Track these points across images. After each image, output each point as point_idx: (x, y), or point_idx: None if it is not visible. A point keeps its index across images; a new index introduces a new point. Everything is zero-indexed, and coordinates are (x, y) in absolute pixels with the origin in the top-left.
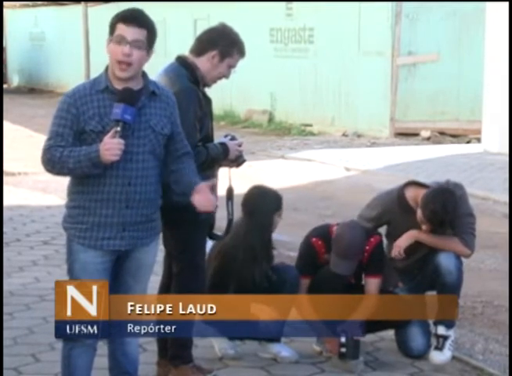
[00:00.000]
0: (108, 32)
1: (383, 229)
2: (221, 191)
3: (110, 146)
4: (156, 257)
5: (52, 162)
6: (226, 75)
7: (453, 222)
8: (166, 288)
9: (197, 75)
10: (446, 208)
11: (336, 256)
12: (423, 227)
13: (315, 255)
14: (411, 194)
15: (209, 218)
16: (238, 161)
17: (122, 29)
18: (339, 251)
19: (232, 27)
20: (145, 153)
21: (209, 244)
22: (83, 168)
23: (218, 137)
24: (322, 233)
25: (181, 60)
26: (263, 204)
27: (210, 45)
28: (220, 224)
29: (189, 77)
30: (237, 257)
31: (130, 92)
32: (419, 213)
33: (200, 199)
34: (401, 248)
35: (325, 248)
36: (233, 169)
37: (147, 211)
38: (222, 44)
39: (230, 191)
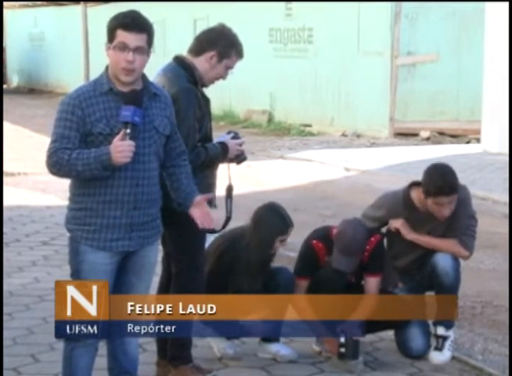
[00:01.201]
0: (107, 36)
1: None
2: (221, 189)
3: (122, 149)
4: (157, 256)
5: (59, 165)
6: (223, 76)
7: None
8: (165, 289)
9: (196, 75)
10: (446, 177)
11: (338, 253)
12: (445, 212)
13: (316, 258)
14: (416, 195)
15: None
16: (239, 159)
17: (123, 36)
18: (341, 247)
19: (231, 28)
20: (150, 154)
21: (208, 241)
22: (92, 170)
23: (219, 136)
24: (323, 235)
25: (179, 60)
26: (268, 222)
27: (209, 46)
28: (220, 223)
29: (187, 78)
30: (236, 261)
31: (137, 93)
32: (429, 203)
33: (200, 215)
34: (397, 228)
35: (325, 250)
36: (233, 168)
37: (152, 210)
38: (221, 45)
39: (230, 189)
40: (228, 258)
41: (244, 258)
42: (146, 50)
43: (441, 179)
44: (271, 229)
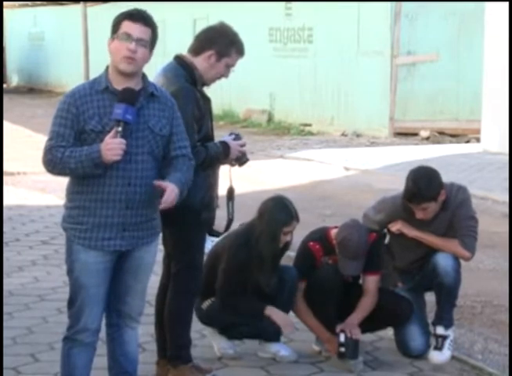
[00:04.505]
0: (111, 31)
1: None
2: (222, 191)
3: (112, 146)
4: (156, 256)
5: (53, 163)
6: (225, 75)
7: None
8: (165, 289)
9: (195, 75)
10: (419, 184)
11: (345, 258)
12: (419, 216)
13: (313, 259)
14: None
15: (209, 218)
16: (240, 161)
17: (128, 26)
18: (348, 253)
19: (230, 27)
20: (144, 153)
21: (208, 243)
22: (84, 168)
23: (221, 136)
24: (320, 236)
25: (178, 60)
26: (271, 213)
27: (208, 45)
28: (220, 223)
29: (186, 77)
30: (250, 257)
31: (131, 92)
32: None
33: (165, 195)
34: (399, 229)
35: (322, 252)
36: (233, 168)
37: (147, 211)
38: (220, 43)
39: (231, 191)
40: (243, 254)
41: (256, 253)
42: (148, 44)
43: (414, 187)
44: (274, 220)
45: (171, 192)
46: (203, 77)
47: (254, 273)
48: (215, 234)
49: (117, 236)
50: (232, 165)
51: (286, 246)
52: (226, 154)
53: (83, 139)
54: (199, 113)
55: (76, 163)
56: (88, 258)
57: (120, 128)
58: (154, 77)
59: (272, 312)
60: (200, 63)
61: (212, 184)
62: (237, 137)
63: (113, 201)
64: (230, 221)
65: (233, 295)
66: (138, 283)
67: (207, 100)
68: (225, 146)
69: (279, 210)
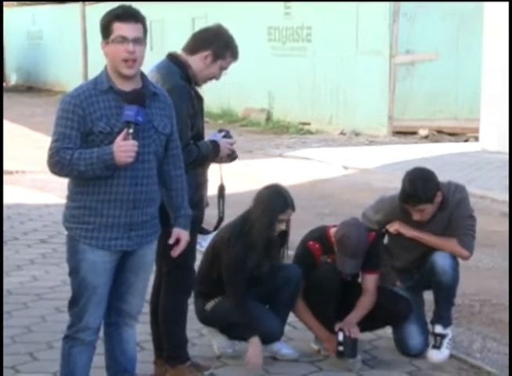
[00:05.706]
0: (102, 33)
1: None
2: (213, 188)
3: (126, 148)
4: (155, 254)
5: (61, 164)
6: (217, 76)
7: (446, 207)
8: (158, 288)
9: (189, 73)
10: (415, 186)
11: (343, 256)
12: (415, 217)
13: (312, 258)
14: None
15: (199, 216)
16: (230, 157)
17: (121, 28)
18: (347, 251)
19: (227, 29)
20: (150, 153)
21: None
22: (95, 170)
23: (210, 134)
24: (319, 235)
25: (172, 58)
26: (267, 200)
27: (204, 45)
28: (211, 221)
29: (181, 75)
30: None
31: (140, 93)
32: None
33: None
34: (397, 230)
35: (322, 251)
36: (232, 167)
37: (151, 209)
38: (216, 45)
39: (222, 189)
40: (240, 245)
41: (250, 238)
42: (143, 41)
43: (410, 189)
44: (270, 207)
45: (183, 243)
46: (197, 77)
47: (247, 256)
48: (205, 232)
49: (124, 237)
50: (223, 161)
51: (285, 236)
52: (216, 153)
53: (90, 141)
54: (192, 110)
55: (86, 165)
56: (95, 258)
57: (131, 130)
58: (147, 74)
59: (252, 345)
60: (196, 62)
61: (202, 183)
62: (227, 135)
63: (120, 201)
64: (221, 219)
65: (240, 293)
66: (140, 281)
67: (199, 99)
68: (215, 144)
69: (275, 198)
